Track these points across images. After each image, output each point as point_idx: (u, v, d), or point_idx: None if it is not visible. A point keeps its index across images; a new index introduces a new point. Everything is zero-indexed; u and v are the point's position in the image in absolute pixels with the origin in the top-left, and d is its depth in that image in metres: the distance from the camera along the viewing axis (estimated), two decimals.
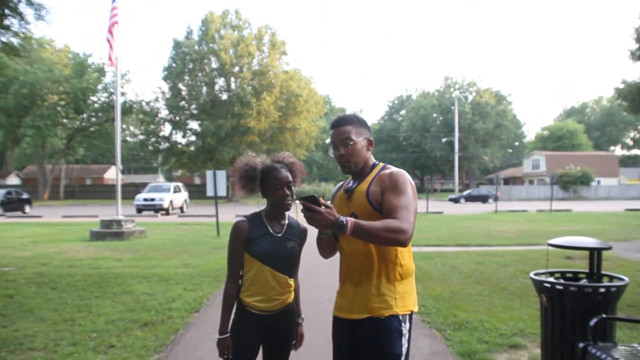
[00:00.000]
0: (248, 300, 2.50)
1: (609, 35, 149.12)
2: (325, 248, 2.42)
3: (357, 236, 2.03)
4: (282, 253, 2.51)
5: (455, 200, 44.06)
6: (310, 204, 1.93)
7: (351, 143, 2.29)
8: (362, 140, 2.32)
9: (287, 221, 2.61)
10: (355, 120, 2.35)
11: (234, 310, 2.56)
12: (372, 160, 2.39)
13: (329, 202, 2.00)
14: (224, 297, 2.55)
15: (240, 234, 2.50)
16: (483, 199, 44.38)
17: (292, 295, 2.62)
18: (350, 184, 2.41)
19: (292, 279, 2.60)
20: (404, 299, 2.23)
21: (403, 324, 2.21)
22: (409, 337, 2.24)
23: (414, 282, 2.33)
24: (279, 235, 2.53)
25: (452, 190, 54.82)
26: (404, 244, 2.07)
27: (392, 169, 2.29)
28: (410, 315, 2.26)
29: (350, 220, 1.97)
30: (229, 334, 2.50)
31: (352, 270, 2.28)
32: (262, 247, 2.47)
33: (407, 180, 2.22)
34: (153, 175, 72.39)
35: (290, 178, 2.53)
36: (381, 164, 2.36)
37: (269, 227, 2.53)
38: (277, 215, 2.58)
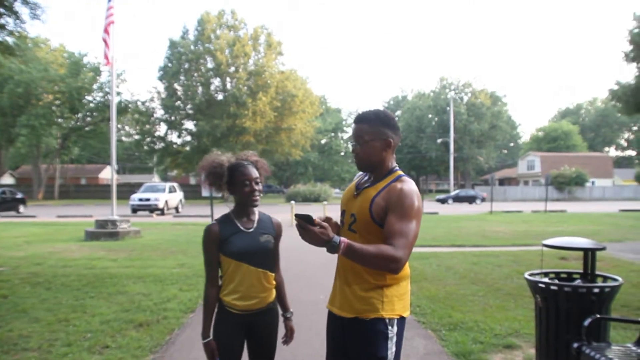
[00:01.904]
0: (227, 299, 2.53)
1: (604, 37, 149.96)
2: None
3: (349, 258, 2.03)
4: (256, 248, 2.53)
5: (443, 201, 44.22)
6: (304, 222, 1.96)
7: (362, 142, 2.27)
8: (377, 141, 2.25)
9: (257, 216, 2.63)
10: (374, 119, 2.27)
11: (215, 311, 2.58)
12: (392, 164, 2.31)
13: (325, 223, 1.99)
14: (204, 301, 2.58)
15: (211, 236, 2.53)
16: (470, 199, 44.63)
17: (273, 293, 2.63)
18: (363, 180, 2.37)
19: (273, 274, 2.62)
20: (392, 302, 2.20)
21: (390, 327, 2.18)
22: (398, 341, 2.21)
23: (407, 286, 2.30)
24: (251, 230, 2.56)
25: (448, 191, 54.89)
26: (394, 272, 2.07)
27: (405, 184, 2.19)
28: (401, 320, 2.23)
29: (344, 242, 1.98)
30: (211, 338, 2.53)
31: (345, 268, 2.29)
32: (235, 245, 2.50)
33: (415, 202, 2.14)
34: (148, 175, 72.17)
35: (257, 174, 2.57)
36: (397, 173, 2.28)
37: (239, 225, 2.56)
38: (246, 211, 2.60)
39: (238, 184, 2.54)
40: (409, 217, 2.10)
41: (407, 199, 2.13)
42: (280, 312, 2.72)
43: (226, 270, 2.54)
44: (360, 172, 2.46)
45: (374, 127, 2.26)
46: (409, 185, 2.20)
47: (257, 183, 2.55)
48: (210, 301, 2.56)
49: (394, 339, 2.19)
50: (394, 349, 2.19)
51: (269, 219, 2.67)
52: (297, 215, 1.98)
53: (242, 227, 2.55)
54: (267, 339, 2.61)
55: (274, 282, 2.63)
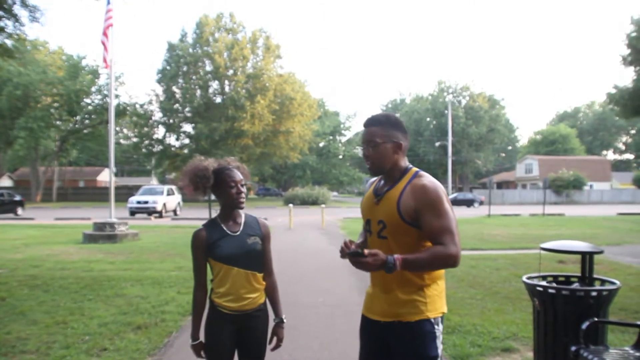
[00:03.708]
0: (218, 301, 2.57)
1: (602, 41, 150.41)
2: None
3: (408, 270, 2.09)
4: (244, 250, 2.57)
5: None
6: (356, 258, 2.05)
7: (374, 145, 2.25)
8: (389, 143, 2.24)
9: (243, 219, 2.66)
10: (385, 122, 2.27)
11: (206, 313, 2.63)
12: (404, 163, 2.29)
13: (374, 250, 2.04)
14: (193, 304, 2.63)
15: (199, 242, 2.57)
16: (468, 203, 44.47)
17: (263, 296, 2.67)
18: (380, 185, 2.35)
19: (262, 274, 2.65)
20: (435, 302, 2.22)
21: (436, 327, 2.20)
22: (441, 339, 2.25)
23: (443, 284, 2.32)
24: (237, 233, 2.59)
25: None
26: (454, 266, 2.13)
27: (425, 179, 2.20)
28: (442, 317, 2.26)
29: (398, 259, 2.02)
30: (200, 340, 2.59)
31: (383, 276, 2.22)
32: (223, 249, 2.54)
33: (443, 194, 2.17)
34: (146, 177, 72.00)
35: (242, 177, 2.63)
36: (413, 170, 2.27)
37: (225, 229, 2.59)
38: (232, 215, 2.64)
39: (225, 186, 2.58)
40: (444, 210, 2.14)
41: (436, 194, 2.15)
42: (272, 316, 2.73)
43: (217, 274, 2.59)
44: (374, 178, 2.45)
45: (385, 129, 2.26)
46: (429, 178, 2.22)
47: (242, 185, 2.61)
48: (199, 304, 2.62)
49: (440, 338, 2.22)
50: (441, 347, 2.23)
51: (255, 220, 2.71)
52: (349, 254, 2.07)
53: (228, 231, 2.59)
54: (257, 340, 2.63)
55: (264, 283, 2.66)
